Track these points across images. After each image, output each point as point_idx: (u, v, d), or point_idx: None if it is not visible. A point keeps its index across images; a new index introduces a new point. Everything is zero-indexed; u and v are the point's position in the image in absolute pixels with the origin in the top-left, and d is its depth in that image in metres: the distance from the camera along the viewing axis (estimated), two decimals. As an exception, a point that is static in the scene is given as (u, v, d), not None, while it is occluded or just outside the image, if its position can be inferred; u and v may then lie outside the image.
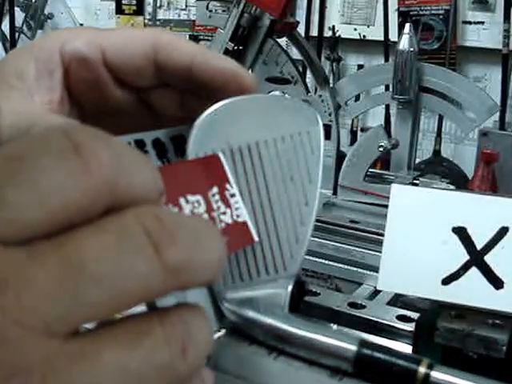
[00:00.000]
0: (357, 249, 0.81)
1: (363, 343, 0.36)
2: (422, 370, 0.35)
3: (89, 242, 0.21)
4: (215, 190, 0.31)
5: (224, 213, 0.31)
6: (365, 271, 0.79)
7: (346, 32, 2.28)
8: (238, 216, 0.32)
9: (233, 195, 0.33)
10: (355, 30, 2.29)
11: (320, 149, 0.37)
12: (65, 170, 0.21)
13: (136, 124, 0.39)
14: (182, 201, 0.29)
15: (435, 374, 0.35)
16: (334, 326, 0.54)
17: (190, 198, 0.30)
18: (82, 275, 0.20)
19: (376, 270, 0.48)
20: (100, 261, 0.20)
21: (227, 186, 0.33)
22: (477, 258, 0.44)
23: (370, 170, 1.10)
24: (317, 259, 0.82)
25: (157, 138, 0.33)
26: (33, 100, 0.37)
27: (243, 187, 0.35)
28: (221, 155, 0.34)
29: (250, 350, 0.39)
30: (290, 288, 0.37)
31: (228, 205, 0.32)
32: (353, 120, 2.16)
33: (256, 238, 0.34)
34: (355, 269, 0.80)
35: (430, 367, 0.35)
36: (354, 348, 0.36)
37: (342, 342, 0.37)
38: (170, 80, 0.37)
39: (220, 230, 0.31)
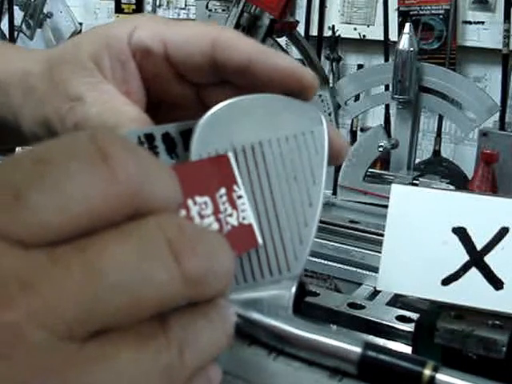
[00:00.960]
0: (356, 249, 0.81)
1: (368, 345, 0.36)
2: (427, 372, 0.35)
3: (111, 248, 0.21)
4: (223, 191, 0.31)
5: (230, 215, 0.31)
6: (364, 271, 0.79)
7: (345, 32, 2.28)
8: (243, 218, 0.32)
9: (240, 197, 0.32)
10: (355, 29, 2.28)
11: (324, 149, 0.37)
12: (91, 177, 0.21)
13: (191, 119, 0.39)
14: (189, 202, 0.29)
15: (440, 377, 0.35)
16: (334, 327, 0.54)
17: (198, 199, 0.29)
18: (104, 282, 0.20)
19: (376, 270, 0.48)
20: (121, 268, 0.21)
21: (235, 187, 0.32)
22: (477, 259, 0.44)
23: (370, 170, 1.10)
24: (316, 259, 0.82)
25: (166, 133, 0.33)
26: (113, 89, 0.37)
27: (247, 188, 0.35)
28: (230, 155, 0.33)
29: (249, 350, 0.39)
30: (293, 289, 0.37)
31: (235, 207, 0.32)
32: (352, 120, 2.16)
33: (260, 241, 0.34)
34: (355, 269, 0.80)
35: (435, 369, 0.35)
36: (358, 350, 0.36)
37: (347, 343, 0.36)
38: (228, 78, 0.38)
39: (226, 234, 0.30)
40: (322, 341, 0.37)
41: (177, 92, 0.39)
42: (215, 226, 0.30)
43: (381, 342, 0.52)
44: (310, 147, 0.36)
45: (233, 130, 0.34)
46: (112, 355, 0.21)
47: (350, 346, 0.36)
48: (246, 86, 0.37)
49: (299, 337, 0.37)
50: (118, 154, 0.22)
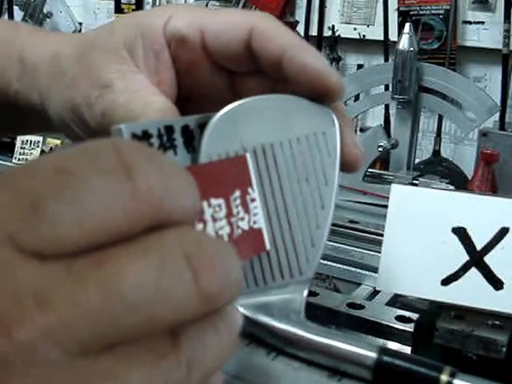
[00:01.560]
0: (356, 249, 0.81)
1: (383, 350, 0.36)
2: (444, 377, 0.34)
3: (129, 265, 0.21)
4: (237, 193, 0.31)
5: (242, 218, 0.31)
6: (364, 271, 0.79)
7: (345, 31, 2.27)
8: (254, 222, 0.32)
9: (253, 200, 0.32)
10: (355, 29, 2.28)
11: (336, 150, 0.36)
12: (112, 190, 0.21)
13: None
14: (204, 205, 0.28)
15: (457, 382, 0.34)
16: (333, 328, 0.54)
17: (213, 201, 0.29)
18: (121, 300, 0.20)
19: (375, 270, 0.48)
20: (139, 286, 0.20)
21: (249, 189, 0.32)
22: (476, 259, 0.44)
23: (370, 169, 1.10)
24: (316, 259, 0.82)
25: (186, 125, 0.32)
26: (143, 79, 0.36)
27: (258, 190, 0.34)
28: (248, 156, 0.33)
29: (248, 350, 0.39)
30: (305, 293, 0.36)
31: (247, 210, 0.31)
32: (352, 120, 2.16)
33: (268, 247, 0.33)
34: (354, 269, 0.80)
35: (453, 375, 0.34)
36: (373, 355, 0.36)
37: (362, 348, 0.36)
38: (262, 68, 0.37)
39: (236, 238, 0.30)
40: (337, 346, 0.36)
41: (209, 83, 0.39)
42: (226, 229, 0.30)
43: (380, 342, 0.52)
44: (322, 149, 0.36)
45: (244, 130, 0.34)
46: (123, 371, 0.21)
47: (365, 351, 0.36)
48: (279, 78, 0.37)
49: (312, 341, 0.36)
50: (142, 166, 0.21)
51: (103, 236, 0.21)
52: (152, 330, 0.21)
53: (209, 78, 0.39)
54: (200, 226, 0.28)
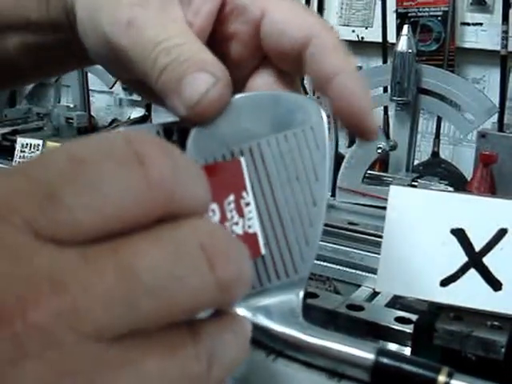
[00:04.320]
0: (355, 250, 0.81)
1: (381, 351, 0.36)
2: (442, 378, 0.34)
3: (144, 251, 0.21)
4: (232, 198, 0.31)
5: (236, 223, 0.31)
6: (363, 273, 0.79)
7: (344, 34, 2.27)
8: (249, 227, 0.31)
9: (248, 204, 0.31)
10: (353, 31, 2.28)
11: (325, 144, 0.35)
12: (126, 179, 0.21)
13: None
14: None
15: (455, 383, 0.34)
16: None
17: None
18: (136, 284, 0.20)
19: (374, 271, 0.48)
20: (155, 271, 0.20)
21: (244, 193, 0.32)
22: (475, 260, 0.44)
23: (369, 171, 1.10)
24: (315, 261, 0.81)
25: (185, 127, 0.32)
26: (180, 13, 0.35)
27: (251, 193, 0.34)
28: (242, 160, 0.32)
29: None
30: (301, 294, 0.36)
31: (242, 214, 0.31)
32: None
33: (263, 251, 0.33)
34: (354, 270, 0.80)
35: (450, 375, 0.34)
36: (371, 357, 0.36)
37: (359, 350, 0.36)
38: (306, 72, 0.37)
39: None
40: (334, 347, 0.36)
41: (235, 61, 0.38)
42: None
43: (380, 343, 0.52)
44: (310, 144, 0.35)
45: (229, 131, 0.33)
46: (139, 360, 0.21)
47: (362, 352, 0.36)
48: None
49: (310, 343, 0.36)
50: (154, 156, 0.22)
51: (118, 223, 0.21)
52: (169, 318, 0.21)
53: (243, 56, 0.38)
54: None
